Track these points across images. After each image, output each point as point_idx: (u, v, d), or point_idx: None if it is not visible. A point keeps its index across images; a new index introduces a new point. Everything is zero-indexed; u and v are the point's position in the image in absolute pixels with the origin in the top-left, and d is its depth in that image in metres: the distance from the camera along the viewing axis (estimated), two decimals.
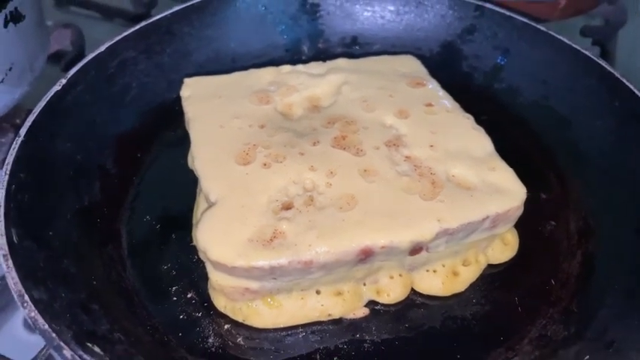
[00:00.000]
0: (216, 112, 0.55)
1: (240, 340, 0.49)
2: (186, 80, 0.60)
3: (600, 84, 0.62)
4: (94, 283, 0.50)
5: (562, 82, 0.65)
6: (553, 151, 0.64)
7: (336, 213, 0.47)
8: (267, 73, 0.60)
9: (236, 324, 0.50)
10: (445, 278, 0.52)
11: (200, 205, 0.53)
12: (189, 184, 0.56)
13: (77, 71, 0.61)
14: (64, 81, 0.59)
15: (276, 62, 0.65)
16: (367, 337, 0.49)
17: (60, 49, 0.80)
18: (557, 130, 0.64)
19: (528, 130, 0.66)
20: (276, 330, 0.49)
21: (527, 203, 0.51)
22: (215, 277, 0.47)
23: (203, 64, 0.70)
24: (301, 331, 0.50)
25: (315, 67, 0.62)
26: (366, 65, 0.62)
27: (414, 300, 0.52)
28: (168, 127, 0.65)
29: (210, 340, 0.49)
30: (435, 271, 0.52)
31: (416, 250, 0.48)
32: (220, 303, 0.50)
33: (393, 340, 0.49)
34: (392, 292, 0.51)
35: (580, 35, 0.85)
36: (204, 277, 0.50)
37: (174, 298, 0.51)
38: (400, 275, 0.51)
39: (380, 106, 0.56)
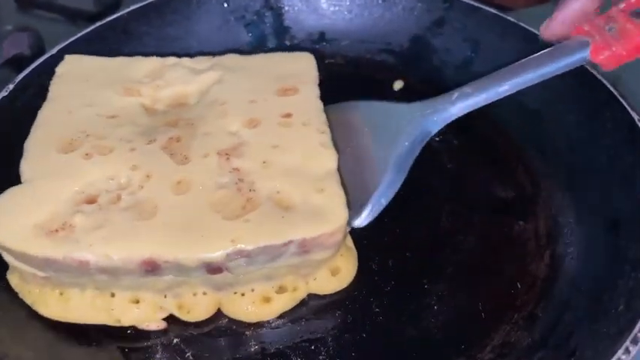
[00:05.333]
0: (74, 96, 0.54)
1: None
2: (67, 57, 0.58)
3: (571, 76, 0.59)
4: None
5: None
6: (523, 146, 0.61)
7: (133, 219, 0.44)
8: (149, 63, 0.58)
9: None
10: (252, 304, 0.48)
11: None
12: None
13: (26, 75, 0.59)
14: (11, 86, 0.57)
15: None
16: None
17: (17, 54, 0.77)
18: (527, 125, 0.61)
19: (498, 125, 0.63)
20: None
21: (496, 202, 0.48)
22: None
23: None
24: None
25: (201, 61, 0.59)
26: (253, 63, 0.58)
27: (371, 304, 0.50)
28: None
29: None
30: (243, 295, 0.48)
31: (214, 269, 0.44)
32: (14, 280, 0.48)
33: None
34: (193, 310, 0.47)
35: None
36: None
37: None
38: (204, 293, 0.47)
39: (234, 112, 0.53)
